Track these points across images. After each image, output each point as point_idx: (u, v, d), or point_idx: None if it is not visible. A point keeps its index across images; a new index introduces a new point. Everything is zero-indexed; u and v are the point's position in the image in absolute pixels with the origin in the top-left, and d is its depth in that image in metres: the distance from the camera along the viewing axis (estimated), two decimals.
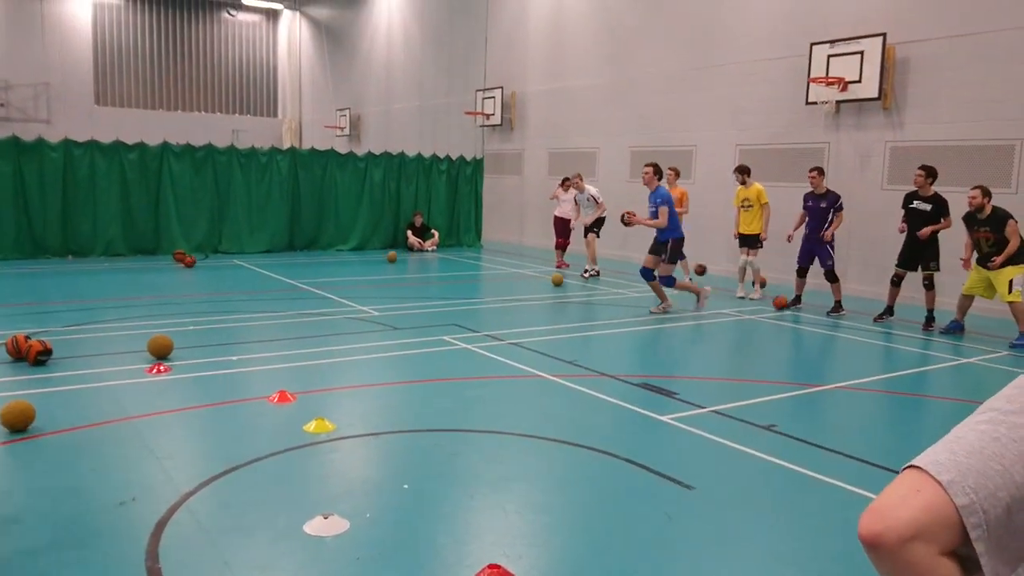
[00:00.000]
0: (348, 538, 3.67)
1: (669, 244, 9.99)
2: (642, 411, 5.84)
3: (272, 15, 32.33)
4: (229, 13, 31.37)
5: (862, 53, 11.84)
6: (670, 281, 10.14)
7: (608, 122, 16.89)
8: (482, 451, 4.96)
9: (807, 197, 10.64)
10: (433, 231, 17.73)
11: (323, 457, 4.78)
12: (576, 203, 13.84)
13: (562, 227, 14.43)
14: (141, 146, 14.97)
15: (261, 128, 31.36)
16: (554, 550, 3.67)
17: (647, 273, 10.14)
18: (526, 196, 19.24)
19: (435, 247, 17.58)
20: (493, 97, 19.87)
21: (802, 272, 10.64)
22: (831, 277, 10.42)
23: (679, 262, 10.86)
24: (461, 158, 18.75)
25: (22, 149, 13.85)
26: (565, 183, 14.42)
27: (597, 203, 13.34)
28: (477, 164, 18.94)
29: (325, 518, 3.78)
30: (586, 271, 13.41)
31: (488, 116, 20.05)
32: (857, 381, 7.06)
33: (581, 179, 13.64)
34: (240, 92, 31.99)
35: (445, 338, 8.19)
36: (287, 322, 9.07)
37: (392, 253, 15.96)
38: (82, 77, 28.39)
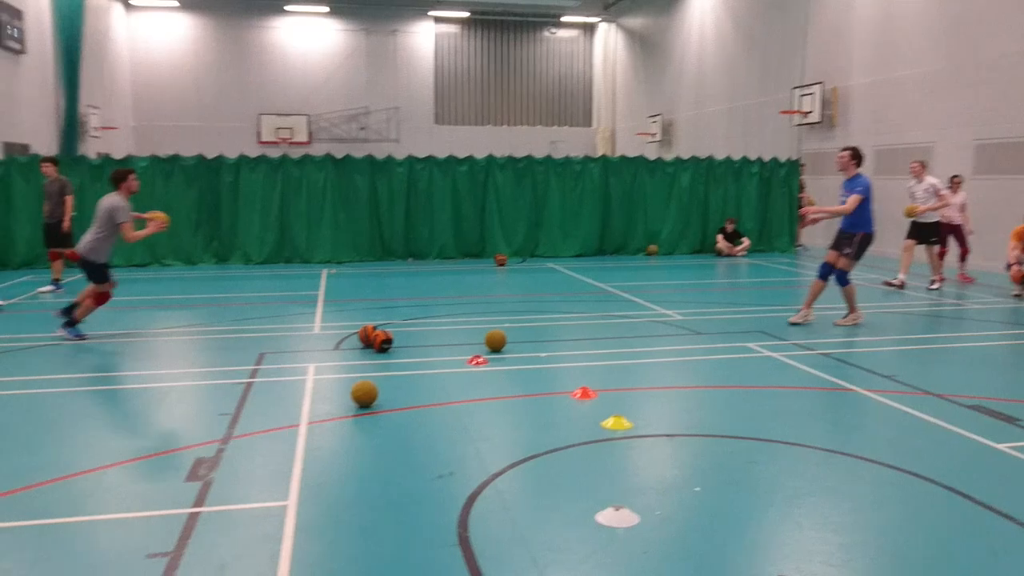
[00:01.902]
0: (637, 532, 3.79)
1: (858, 238, 8.77)
2: (972, 436, 5.20)
3: (589, 29, 33.69)
4: (550, 31, 33.29)
5: None
6: (844, 279, 8.87)
7: (946, 114, 15.12)
8: (781, 463, 4.79)
9: None
10: (743, 237, 17.23)
11: (618, 453, 4.96)
12: (912, 195, 12.03)
13: (947, 233, 12.44)
14: (470, 159, 16.52)
15: (576, 138, 32.84)
16: (852, 573, 3.46)
17: (826, 270, 8.94)
18: None
19: (745, 252, 17.09)
20: (812, 93, 18.77)
21: None
22: None
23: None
24: (774, 159, 17.99)
25: (376, 166, 16.03)
26: (955, 181, 12.69)
27: (938, 195, 11.78)
28: (792, 165, 18.04)
29: (616, 510, 3.94)
30: (933, 282, 11.92)
31: (806, 114, 19.00)
32: None
33: (924, 166, 12.02)
34: (557, 105, 33.79)
35: (749, 345, 7.98)
36: (593, 323, 9.46)
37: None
38: (424, 100, 32.01)
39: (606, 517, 3.90)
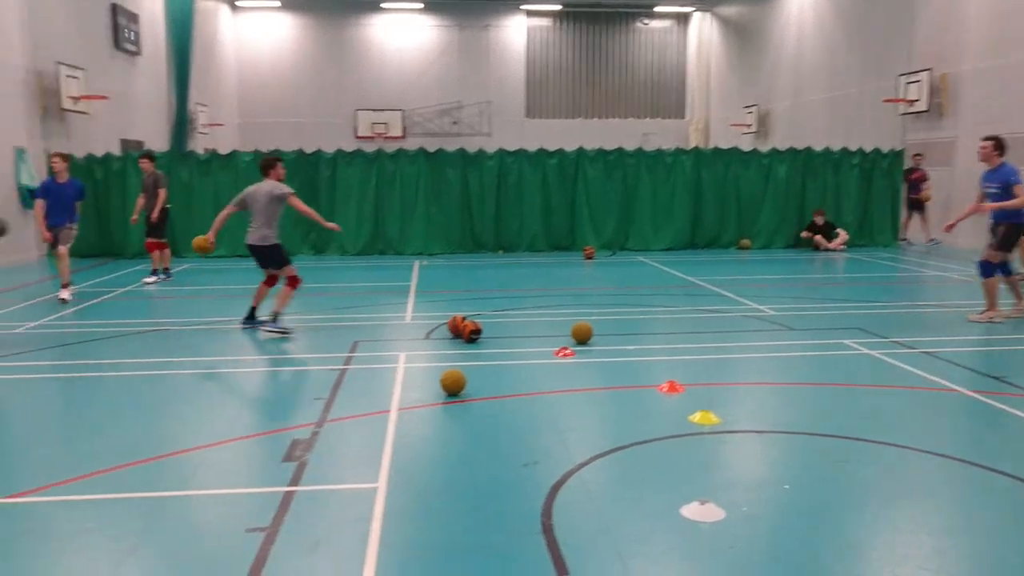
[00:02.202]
0: (722, 527, 3.75)
1: (1002, 229, 8.52)
2: None
3: (682, 19, 33.06)
4: (643, 22, 32.84)
5: None
6: (988, 270, 8.66)
7: None
8: (876, 463, 4.64)
9: None
10: (838, 230, 16.57)
11: (705, 447, 4.91)
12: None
13: None
14: (560, 152, 16.52)
15: (668, 130, 32.31)
16: None
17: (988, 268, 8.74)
18: (957, 190, 17.00)
19: (843, 246, 16.47)
20: (919, 80, 17.90)
21: None
22: None
23: None
24: (876, 150, 17.26)
25: (467, 160, 16.24)
26: None
27: None
28: (895, 156, 17.26)
29: (702, 504, 3.91)
30: None
31: (912, 103, 18.14)
32: None
33: None
34: (650, 97, 33.31)
35: (846, 342, 7.72)
36: (682, 317, 9.35)
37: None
38: (516, 93, 32.14)
39: (691, 511, 3.88)
